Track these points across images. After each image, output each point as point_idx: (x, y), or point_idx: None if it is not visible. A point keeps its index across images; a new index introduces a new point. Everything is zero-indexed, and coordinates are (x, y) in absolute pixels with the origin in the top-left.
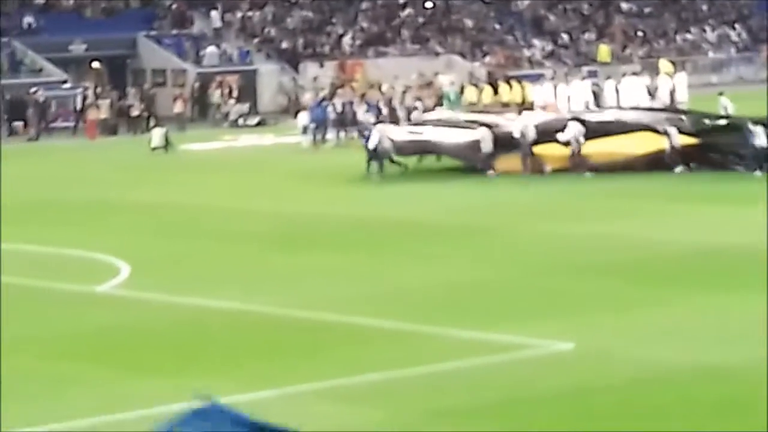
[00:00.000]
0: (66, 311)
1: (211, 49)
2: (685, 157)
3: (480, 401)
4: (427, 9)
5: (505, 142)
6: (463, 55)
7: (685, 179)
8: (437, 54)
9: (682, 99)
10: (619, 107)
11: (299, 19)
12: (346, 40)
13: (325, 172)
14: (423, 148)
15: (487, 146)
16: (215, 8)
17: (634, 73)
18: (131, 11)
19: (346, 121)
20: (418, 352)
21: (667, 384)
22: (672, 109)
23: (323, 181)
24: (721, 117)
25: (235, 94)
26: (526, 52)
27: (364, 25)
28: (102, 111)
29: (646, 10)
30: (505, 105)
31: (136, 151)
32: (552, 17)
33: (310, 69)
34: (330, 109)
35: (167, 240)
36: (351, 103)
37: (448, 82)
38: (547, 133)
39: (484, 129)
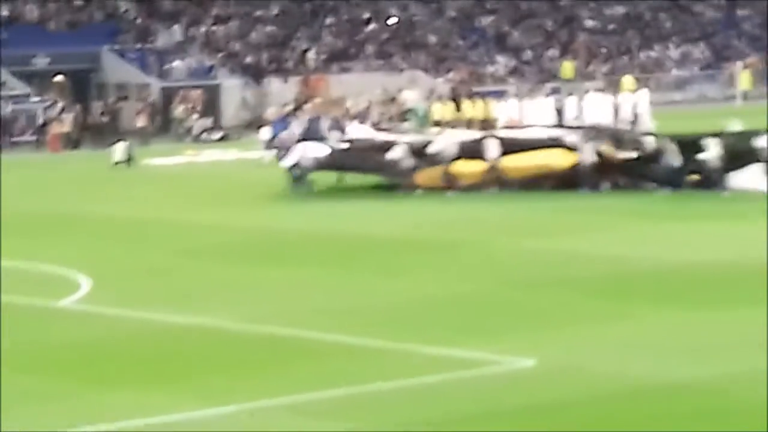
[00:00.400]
0: (28, 325)
1: (176, 64)
2: (600, 174)
3: (443, 417)
4: (390, 25)
5: (424, 159)
6: (426, 71)
7: (648, 196)
8: (401, 70)
9: (644, 115)
10: (538, 125)
11: (263, 34)
12: (310, 55)
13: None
14: (346, 166)
15: (407, 163)
16: (178, 22)
17: (598, 90)
18: (95, 25)
19: (310, 136)
20: (382, 367)
21: (632, 399)
22: (591, 126)
23: (286, 196)
24: (646, 134)
25: (198, 108)
26: (490, 69)
27: (328, 40)
28: (65, 125)
29: (610, 27)
30: (469, 121)
31: (98, 166)
32: (515, 34)
33: (273, 84)
34: (294, 124)
35: (129, 254)
36: (317, 118)
37: (414, 98)
38: (466, 150)
39: (403, 146)
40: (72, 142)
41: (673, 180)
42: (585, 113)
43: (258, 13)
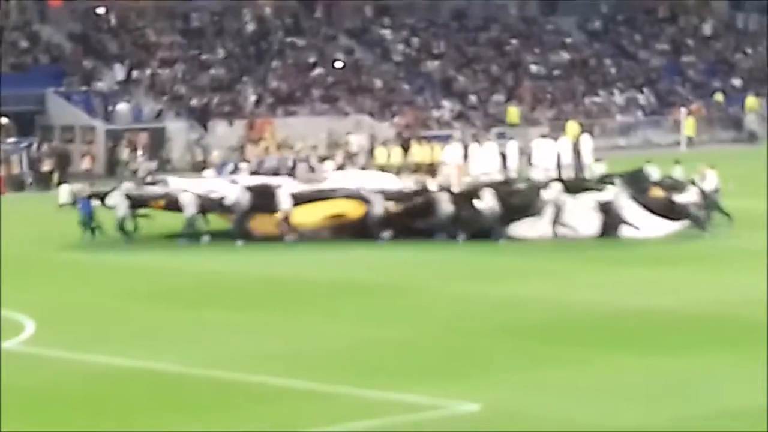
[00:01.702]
0: None
1: (121, 106)
2: (389, 224)
3: None
4: (336, 69)
5: (212, 208)
6: (372, 116)
7: (586, 244)
8: (346, 114)
9: (587, 161)
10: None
11: (209, 78)
12: (256, 98)
13: None
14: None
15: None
16: (121, 62)
17: (543, 135)
18: (40, 67)
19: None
20: (327, 411)
21: None
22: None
23: (228, 239)
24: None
25: (141, 152)
26: (435, 113)
27: (274, 84)
28: (12, 166)
29: (555, 72)
30: (417, 166)
31: (44, 208)
32: (461, 78)
33: (219, 127)
34: (231, 167)
35: (73, 297)
36: (261, 161)
37: (359, 143)
38: (262, 199)
39: (188, 194)
40: (17, 184)
41: (448, 229)
42: (533, 157)
43: (204, 56)
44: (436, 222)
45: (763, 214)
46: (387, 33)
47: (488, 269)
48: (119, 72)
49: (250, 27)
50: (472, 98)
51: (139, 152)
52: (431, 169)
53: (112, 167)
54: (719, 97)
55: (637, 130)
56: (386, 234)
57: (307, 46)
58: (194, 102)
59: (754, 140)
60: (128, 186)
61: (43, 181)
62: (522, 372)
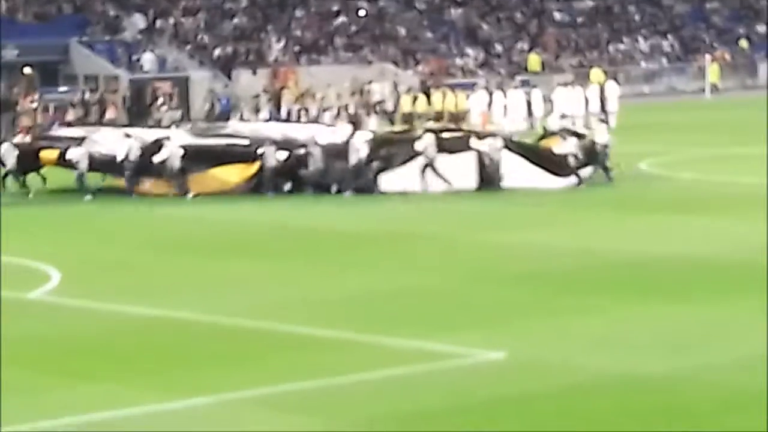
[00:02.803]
0: None
1: (146, 56)
2: (281, 177)
3: (414, 410)
4: (360, 17)
5: (105, 164)
6: (395, 64)
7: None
8: (370, 62)
9: (613, 109)
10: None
11: (232, 26)
12: (279, 47)
13: None
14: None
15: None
16: (144, 12)
17: (565, 83)
18: (64, 17)
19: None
20: (351, 360)
21: (600, 392)
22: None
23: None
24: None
25: (162, 100)
26: (459, 61)
27: (297, 33)
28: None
29: (579, 20)
30: (439, 114)
31: None
32: (485, 26)
33: (243, 76)
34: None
35: (97, 248)
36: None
37: (383, 91)
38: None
39: (79, 150)
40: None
41: (320, 182)
42: (554, 105)
43: (227, 5)
44: (307, 175)
45: None
46: None
47: (510, 217)
48: (142, 21)
49: None
50: (497, 46)
51: (161, 101)
52: (456, 118)
53: (139, 116)
54: (744, 43)
55: (662, 77)
56: (286, 186)
57: None
58: (217, 51)
59: None
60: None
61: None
62: (546, 320)
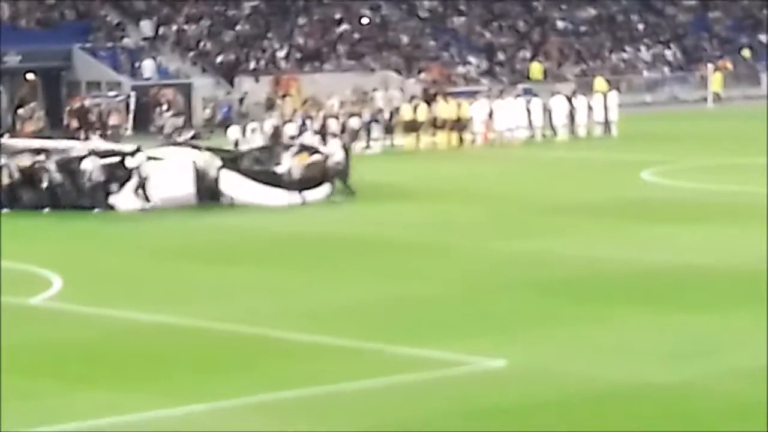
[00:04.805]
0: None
1: (147, 62)
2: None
3: (415, 418)
4: (362, 25)
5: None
6: (398, 72)
7: None
8: (372, 70)
9: (614, 118)
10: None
11: (235, 34)
12: (282, 55)
13: None
14: None
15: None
16: (147, 18)
17: (556, 93)
18: (67, 23)
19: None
20: (351, 367)
21: (604, 401)
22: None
23: None
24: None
25: (165, 107)
26: (461, 69)
27: (300, 40)
28: (38, 123)
29: (582, 28)
30: (442, 122)
31: None
32: (487, 34)
33: (245, 83)
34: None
35: (100, 254)
36: (288, 121)
37: (386, 99)
38: None
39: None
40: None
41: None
42: (553, 114)
43: (230, 12)
44: (42, 190)
45: None
46: None
47: (514, 225)
48: (146, 28)
49: None
50: (499, 54)
51: (164, 108)
52: (458, 125)
53: (143, 123)
54: (746, 53)
55: (664, 86)
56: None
57: (333, 2)
58: (220, 58)
59: None
60: None
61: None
62: (548, 329)
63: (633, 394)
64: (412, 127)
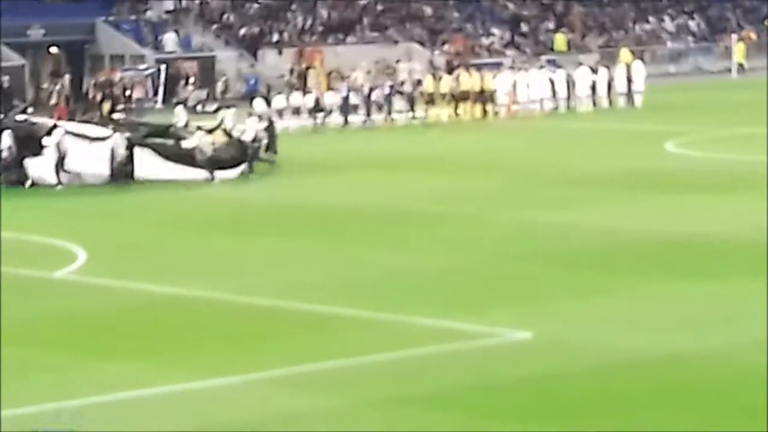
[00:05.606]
0: (24, 296)
1: (170, 35)
2: None
3: (438, 389)
4: None
5: None
6: (422, 44)
7: None
8: (396, 42)
9: (639, 88)
10: None
11: (258, 6)
12: (306, 27)
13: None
14: None
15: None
16: None
17: (581, 64)
18: None
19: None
20: (376, 339)
21: (627, 371)
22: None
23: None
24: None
25: (192, 80)
26: (485, 41)
27: (324, 12)
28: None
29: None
30: (465, 94)
31: None
32: (511, 6)
33: (269, 56)
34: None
35: (123, 227)
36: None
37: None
38: None
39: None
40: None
41: None
42: (577, 86)
43: None
44: None
45: None
46: None
47: (537, 197)
48: (169, 1)
49: None
50: (523, 26)
51: (190, 81)
52: (481, 97)
53: (166, 96)
54: None
55: (688, 57)
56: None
57: None
58: (243, 31)
59: None
60: None
61: (93, 111)
62: (573, 300)
63: (657, 364)
64: (436, 99)
